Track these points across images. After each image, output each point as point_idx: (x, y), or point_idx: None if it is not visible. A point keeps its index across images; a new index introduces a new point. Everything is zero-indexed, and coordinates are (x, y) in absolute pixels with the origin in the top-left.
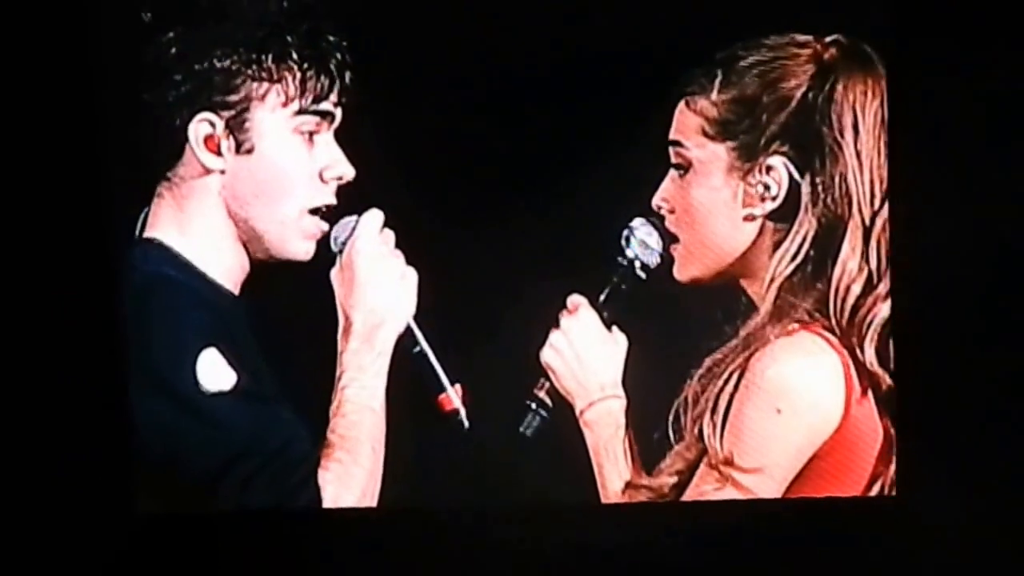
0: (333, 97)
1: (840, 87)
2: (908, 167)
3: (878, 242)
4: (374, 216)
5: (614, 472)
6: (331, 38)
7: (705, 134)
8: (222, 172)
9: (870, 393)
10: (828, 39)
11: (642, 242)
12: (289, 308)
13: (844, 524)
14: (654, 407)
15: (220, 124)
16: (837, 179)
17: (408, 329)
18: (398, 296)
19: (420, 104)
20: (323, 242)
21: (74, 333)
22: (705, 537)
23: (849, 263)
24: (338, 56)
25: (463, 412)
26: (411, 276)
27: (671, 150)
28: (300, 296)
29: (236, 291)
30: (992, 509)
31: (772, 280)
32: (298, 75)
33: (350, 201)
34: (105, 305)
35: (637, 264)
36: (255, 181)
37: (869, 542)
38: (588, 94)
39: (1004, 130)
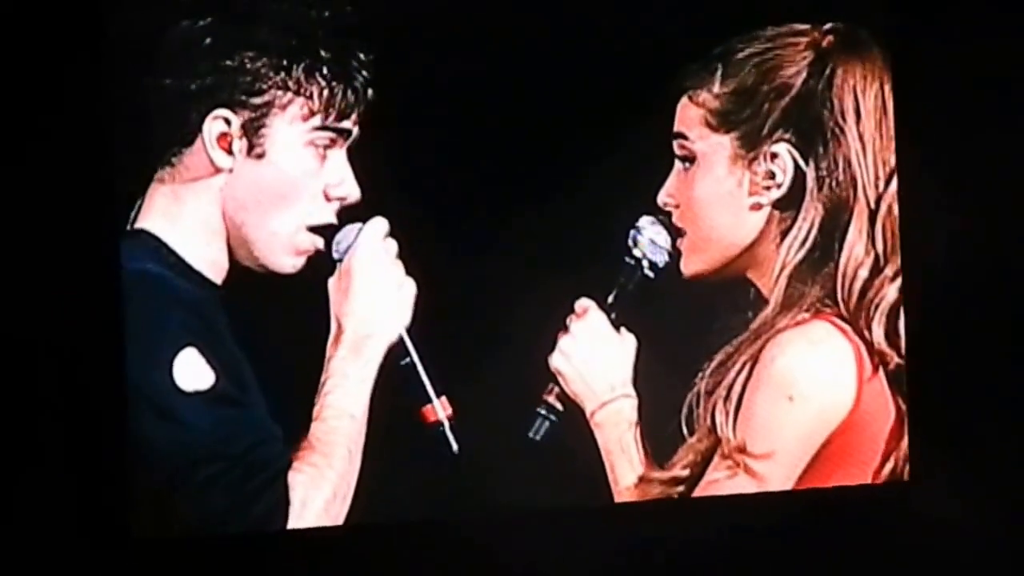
0: (355, 116)
1: (839, 72)
2: (913, 149)
3: (884, 225)
4: (379, 223)
5: (627, 467)
6: (361, 56)
7: (708, 125)
8: (229, 171)
9: (881, 372)
10: (825, 27)
11: (651, 240)
12: (280, 313)
13: (857, 514)
14: (666, 403)
15: (236, 123)
16: (841, 163)
17: (400, 339)
18: (393, 306)
19: (432, 114)
20: (321, 251)
21: (74, 333)
22: (718, 532)
23: (856, 247)
24: (364, 75)
25: (447, 425)
26: (409, 287)
27: (675, 143)
28: (293, 301)
29: (219, 281)
30: (1002, 489)
31: (783, 268)
32: (325, 92)
33: (352, 221)
34: (105, 305)
35: (645, 263)
36: (259, 187)
37: (883, 529)
38: (588, 95)
39: (1008, 110)
